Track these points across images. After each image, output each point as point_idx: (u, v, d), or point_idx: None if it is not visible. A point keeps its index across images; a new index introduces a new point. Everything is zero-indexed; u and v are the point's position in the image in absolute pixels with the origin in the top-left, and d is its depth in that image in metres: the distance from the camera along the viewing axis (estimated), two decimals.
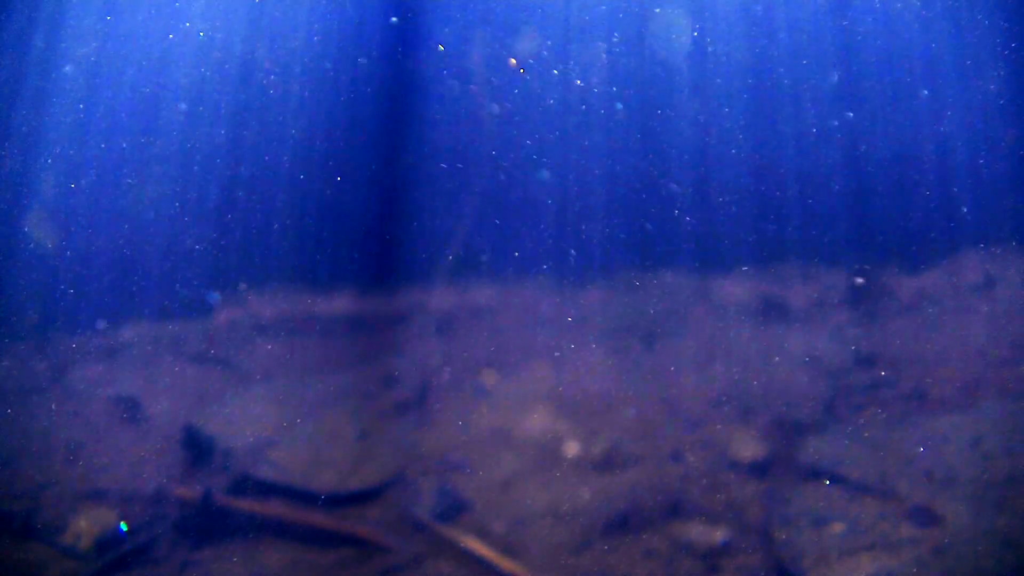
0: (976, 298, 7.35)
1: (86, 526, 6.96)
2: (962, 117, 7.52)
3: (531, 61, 7.54)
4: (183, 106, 7.70)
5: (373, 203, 7.64)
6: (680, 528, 7.00)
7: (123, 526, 6.96)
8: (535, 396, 7.38)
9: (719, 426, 7.23)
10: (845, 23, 7.45)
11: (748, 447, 7.18)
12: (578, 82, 7.18)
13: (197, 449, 7.56)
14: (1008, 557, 6.82)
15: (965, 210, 7.42)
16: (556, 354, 7.42)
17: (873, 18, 7.38)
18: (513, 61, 6.92)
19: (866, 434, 7.09)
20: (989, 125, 7.49)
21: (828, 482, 6.95)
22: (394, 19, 7.43)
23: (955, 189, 7.46)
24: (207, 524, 7.14)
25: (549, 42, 7.53)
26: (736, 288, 7.37)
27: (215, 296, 7.79)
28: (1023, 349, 7.23)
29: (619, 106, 7.26)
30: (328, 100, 7.69)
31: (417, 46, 7.65)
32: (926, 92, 7.47)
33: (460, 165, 7.57)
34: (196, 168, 7.75)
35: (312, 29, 7.62)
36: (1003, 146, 7.45)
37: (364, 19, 7.64)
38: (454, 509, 7.11)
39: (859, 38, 7.39)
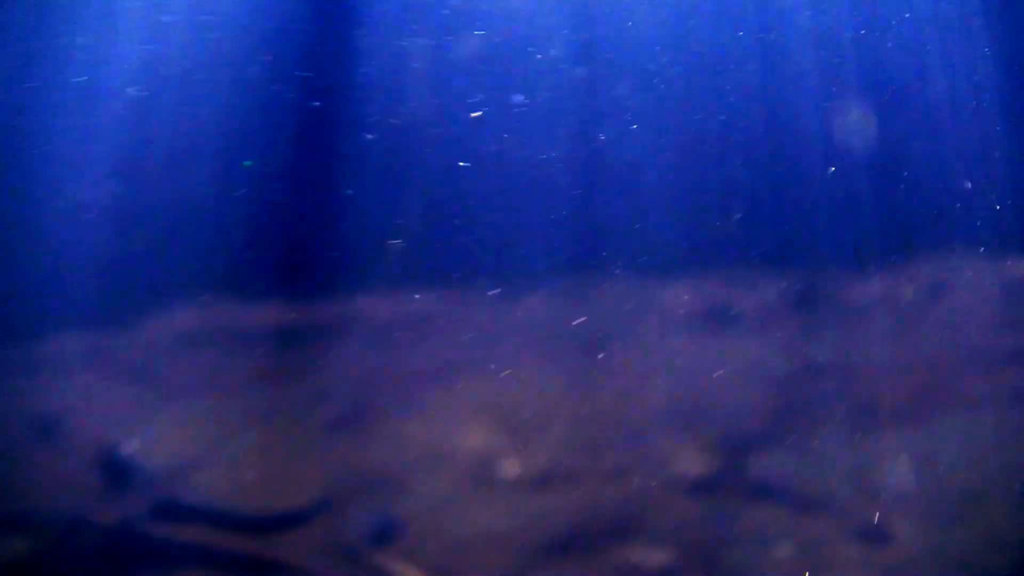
0: (927, 306, 7.14)
1: None
2: (912, 118, 7.32)
3: (470, 60, 7.25)
4: (110, 109, 7.33)
5: (306, 211, 7.31)
6: (623, 549, 6.80)
7: None
8: (472, 411, 7.10)
9: (663, 441, 6.99)
10: (775, 29, 7.23)
11: (693, 463, 6.94)
12: (545, 59, 6.90)
13: (117, 471, 7.22)
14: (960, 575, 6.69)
15: (915, 214, 7.22)
16: (494, 367, 7.13)
17: (810, 21, 7.17)
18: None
19: (814, 449, 6.88)
20: (940, 127, 7.30)
21: (777, 505, 6.76)
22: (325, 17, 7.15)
23: (904, 192, 7.26)
24: (128, 550, 6.88)
25: (487, 42, 7.24)
26: (680, 296, 7.10)
27: (139, 307, 7.41)
28: (975, 359, 7.04)
29: (558, 107, 6.98)
30: (254, 100, 7.34)
31: (347, 42, 7.32)
32: (873, 91, 7.26)
33: (396, 171, 7.25)
34: (119, 174, 7.39)
35: (235, 26, 7.28)
36: (954, 148, 7.26)
37: (295, 15, 7.31)
38: (387, 532, 6.86)
39: (802, 38, 7.16)
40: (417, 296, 7.13)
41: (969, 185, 7.09)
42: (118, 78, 7.29)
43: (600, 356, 7.05)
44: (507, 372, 7.05)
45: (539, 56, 7.25)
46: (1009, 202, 7.15)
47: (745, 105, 7.21)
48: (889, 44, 7.20)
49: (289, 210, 7.25)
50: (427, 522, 6.87)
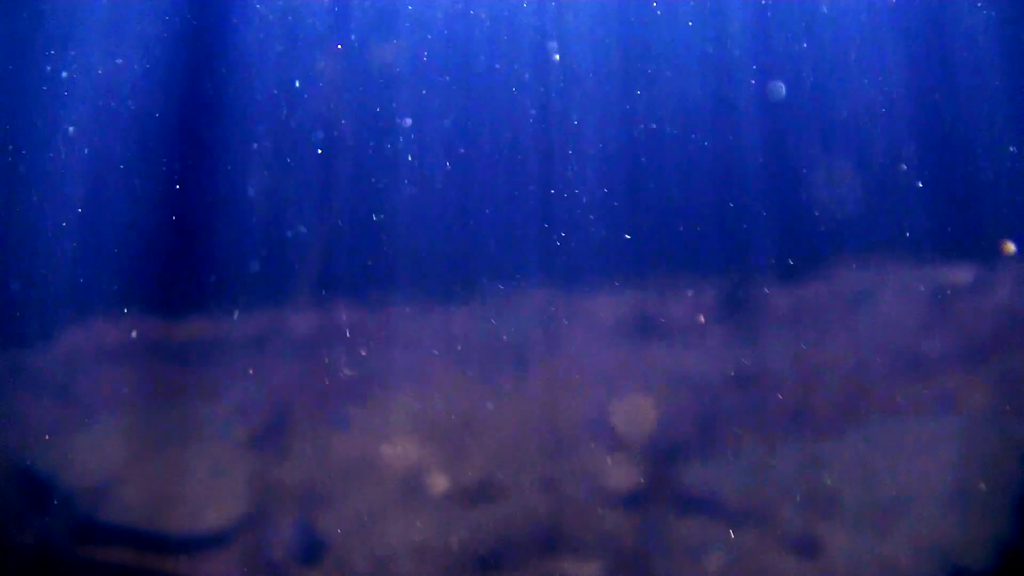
0: (856, 311, 7.13)
1: None
2: (840, 118, 7.31)
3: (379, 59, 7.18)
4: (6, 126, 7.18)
5: (227, 227, 7.18)
6: (554, 563, 6.73)
7: None
8: (399, 425, 7.00)
9: (592, 453, 6.92)
10: (719, 25, 7.22)
11: (623, 475, 6.89)
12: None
13: (34, 491, 7.05)
14: None
15: (844, 217, 7.22)
16: (421, 379, 7.04)
17: (745, 18, 7.15)
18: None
19: (745, 458, 6.84)
20: (870, 128, 7.30)
21: (706, 515, 6.72)
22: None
23: (833, 195, 7.25)
24: (46, 573, 6.72)
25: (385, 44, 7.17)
26: (607, 306, 7.05)
27: (58, 321, 7.23)
28: (905, 364, 7.04)
29: (468, 109, 6.93)
30: (180, 108, 7.22)
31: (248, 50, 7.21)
32: (801, 91, 7.26)
33: (318, 185, 7.15)
34: (28, 186, 7.23)
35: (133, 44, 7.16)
36: (883, 150, 7.27)
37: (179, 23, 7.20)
38: (313, 549, 6.74)
39: (731, 36, 7.15)
40: (341, 309, 7.04)
41: (897, 191, 7.11)
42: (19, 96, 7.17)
43: (528, 367, 7.00)
44: (433, 384, 6.98)
45: (460, 71, 7.20)
46: (935, 208, 7.18)
47: (673, 116, 7.19)
48: (811, 55, 7.21)
49: (209, 225, 7.13)
50: (354, 538, 6.76)
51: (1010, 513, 6.72)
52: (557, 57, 7.16)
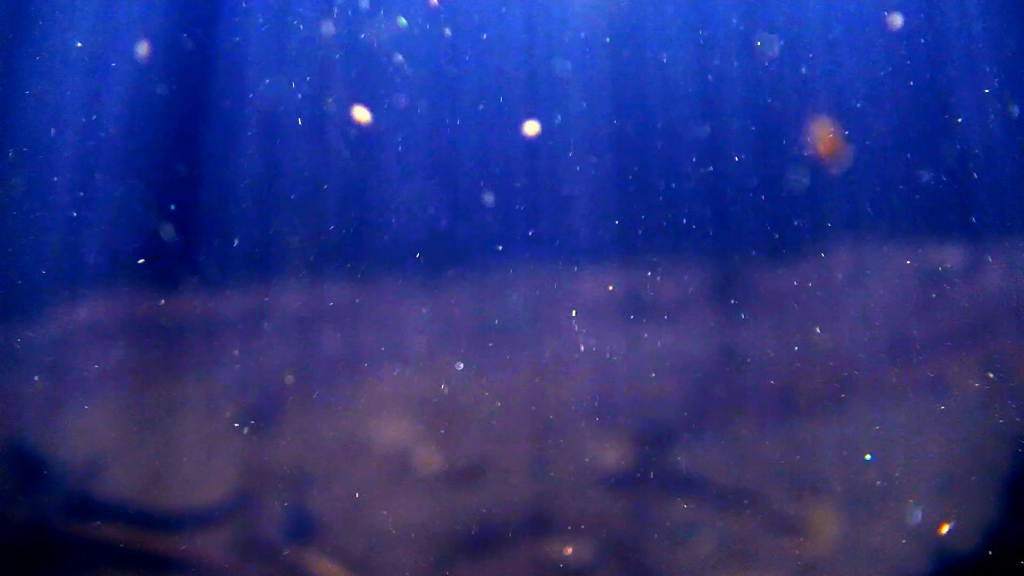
0: (848, 295, 7.13)
1: None
2: (833, 102, 7.30)
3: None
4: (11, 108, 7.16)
5: (216, 204, 7.15)
6: (545, 545, 6.74)
7: None
8: (391, 404, 6.99)
9: (583, 434, 6.93)
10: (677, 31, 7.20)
11: (614, 456, 6.90)
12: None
13: (26, 468, 7.03)
14: (878, 569, 6.71)
15: (836, 201, 7.21)
16: (412, 358, 7.03)
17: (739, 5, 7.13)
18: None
19: (735, 441, 6.86)
20: (864, 111, 7.28)
21: (699, 498, 6.73)
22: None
23: (825, 178, 7.25)
24: (37, 551, 6.71)
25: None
26: (598, 287, 7.04)
27: (47, 297, 7.20)
28: (896, 348, 7.05)
29: (457, 91, 6.90)
30: (158, 95, 7.19)
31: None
32: (794, 75, 7.24)
33: (311, 157, 7.12)
34: (23, 169, 7.19)
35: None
36: (876, 134, 7.25)
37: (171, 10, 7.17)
38: (305, 529, 6.74)
39: (726, 22, 7.11)
40: (331, 288, 7.02)
41: (887, 174, 7.11)
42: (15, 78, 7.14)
43: (519, 347, 6.99)
44: (426, 364, 6.97)
45: (458, 49, 7.16)
46: (927, 191, 7.18)
47: (666, 97, 7.16)
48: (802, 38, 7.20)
49: (198, 203, 7.10)
50: (346, 518, 6.76)
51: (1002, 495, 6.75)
52: (548, 34, 7.13)
